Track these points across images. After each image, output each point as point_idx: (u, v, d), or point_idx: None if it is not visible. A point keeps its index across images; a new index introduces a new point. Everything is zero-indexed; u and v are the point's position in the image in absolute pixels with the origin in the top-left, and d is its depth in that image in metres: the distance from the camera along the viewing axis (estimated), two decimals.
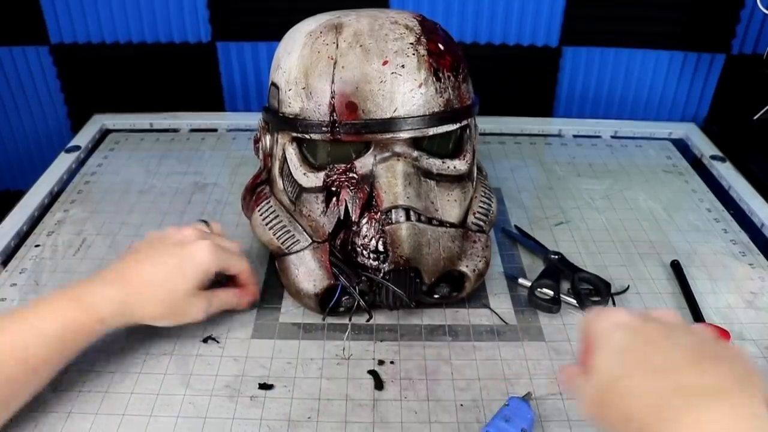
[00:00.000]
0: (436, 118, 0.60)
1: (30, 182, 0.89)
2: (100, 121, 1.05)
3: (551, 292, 0.67)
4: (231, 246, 0.63)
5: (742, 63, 1.01)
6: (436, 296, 0.65)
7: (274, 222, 0.66)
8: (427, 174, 0.63)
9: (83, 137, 1.01)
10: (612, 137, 1.04)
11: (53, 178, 0.89)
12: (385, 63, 0.59)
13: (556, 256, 0.73)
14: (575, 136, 1.04)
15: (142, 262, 0.57)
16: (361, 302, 0.62)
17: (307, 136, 0.62)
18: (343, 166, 0.62)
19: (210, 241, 0.59)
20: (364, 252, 0.61)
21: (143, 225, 0.80)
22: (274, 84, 0.65)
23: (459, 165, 0.64)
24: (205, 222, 0.66)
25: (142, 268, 0.56)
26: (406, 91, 0.59)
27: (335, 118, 0.59)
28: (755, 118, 0.97)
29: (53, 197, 0.86)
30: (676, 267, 0.72)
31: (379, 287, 0.62)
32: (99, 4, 0.99)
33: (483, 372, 0.59)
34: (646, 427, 0.36)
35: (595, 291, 0.68)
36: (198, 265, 0.57)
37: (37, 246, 0.76)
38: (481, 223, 0.67)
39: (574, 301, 0.67)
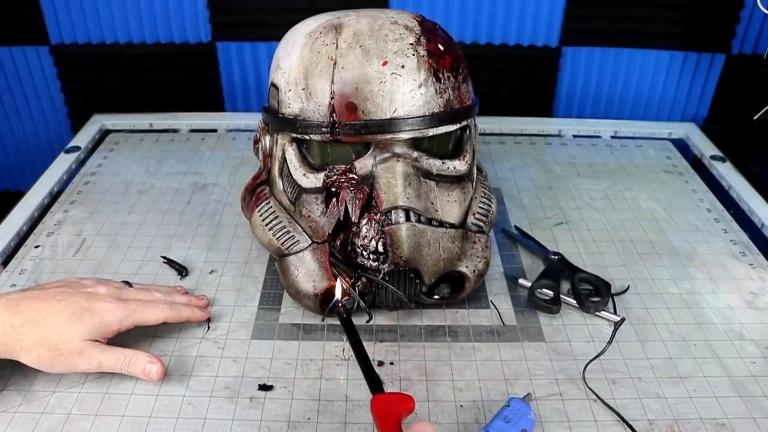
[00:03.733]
0: (435, 119, 0.60)
1: (30, 183, 0.89)
2: (100, 122, 1.05)
3: (551, 293, 0.67)
4: (150, 297, 0.62)
5: (742, 63, 1.01)
6: (435, 297, 0.65)
7: (273, 223, 0.66)
8: (427, 174, 0.62)
9: (83, 137, 1.01)
10: (612, 137, 1.04)
11: (53, 179, 0.89)
12: (384, 63, 0.59)
13: (556, 257, 0.73)
14: (575, 136, 1.04)
15: (40, 309, 0.55)
16: (361, 303, 0.62)
17: (306, 137, 0.62)
18: (342, 166, 0.62)
19: (121, 305, 0.58)
20: (364, 253, 0.61)
21: (143, 225, 0.80)
22: (273, 84, 0.65)
23: (459, 165, 0.64)
24: (128, 283, 0.64)
25: (39, 312, 0.55)
26: (405, 91, 0.59)
27: (335, 118, 0.59)
28: (755, 118, 0.97)
29: (53, 198, 0.86)
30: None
31: (378, 288, 0.62)
32: (99, 5, 0.99)
33: (483, 373, 0.59)
34: None
35: (595, 291, 0.68)
36: (98, 322, 0.56)
37: (37, 247, 0.76)
38: (481, 223, 0.67)
39: (574, 302, 0.67)
